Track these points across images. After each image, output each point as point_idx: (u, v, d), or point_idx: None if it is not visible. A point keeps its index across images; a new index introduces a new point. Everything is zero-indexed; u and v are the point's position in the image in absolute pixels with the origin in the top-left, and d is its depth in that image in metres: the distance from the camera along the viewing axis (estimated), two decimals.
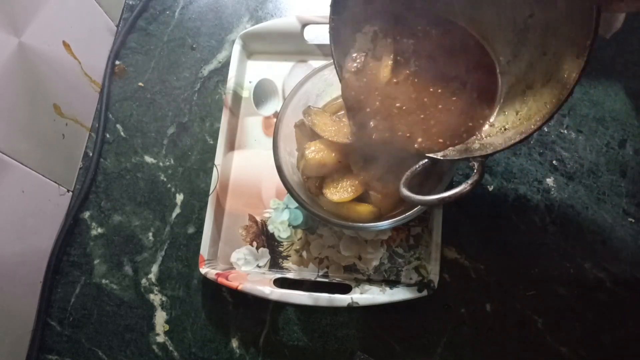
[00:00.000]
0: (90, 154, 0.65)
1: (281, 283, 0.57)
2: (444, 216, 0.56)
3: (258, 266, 0.59)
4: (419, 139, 0.44)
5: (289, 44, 0.64)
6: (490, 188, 0.59)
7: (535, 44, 0.40)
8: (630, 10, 0.38)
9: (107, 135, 0.67)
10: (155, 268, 0.61)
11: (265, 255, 0.59)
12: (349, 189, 0.51)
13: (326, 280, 0.57)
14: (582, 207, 0.58)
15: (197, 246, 0.60)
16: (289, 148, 0.53)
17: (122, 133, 0.66)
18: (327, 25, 0.59)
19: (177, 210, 0.63)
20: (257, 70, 0.65)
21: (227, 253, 0.60)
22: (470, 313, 0.56)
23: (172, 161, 0.65)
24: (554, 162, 0.59)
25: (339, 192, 0.51)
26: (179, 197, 0.63)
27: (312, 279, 0.57)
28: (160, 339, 0.59)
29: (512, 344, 0.55)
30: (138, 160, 0.65)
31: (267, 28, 0.64)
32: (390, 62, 0.44)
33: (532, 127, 0.38)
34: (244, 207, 0.61)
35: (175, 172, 0.64)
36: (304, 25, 0.63)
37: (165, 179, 0.64)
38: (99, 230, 0.63)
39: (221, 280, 0.56)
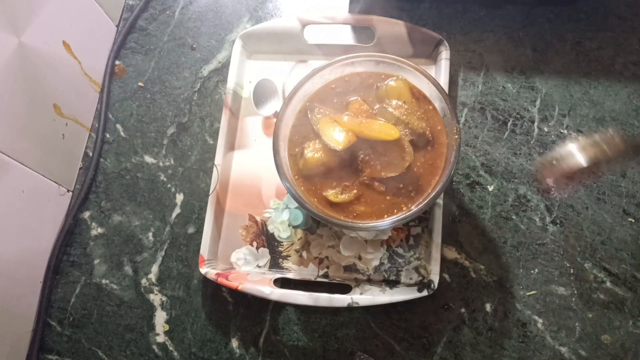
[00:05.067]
0: (90, 154, 0.65)
1: (281, 283, 0.57)
2: (444, 216, 0.56)
3: (258, 266, 0.59)
4: None
5: (289, 44, 0.64)
6: (490, 188, 0.59)
7: None
8: None
9: (107, 135, 0.67)
10: (155, 268, 0.61)
11: (265, 255, 0.59)
12: (350, 190, 0.51)
13: (326, 280, 0.57)
14: (582, 207, 0.58)
15: (197, 246, 0.60)
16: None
17: (122, 133, 0.66)
18: (328, 26, 0.60)
19: (177, 210, 0.63)
20: (257, 70, 0.65)
21: (227, 253, 0.60)
22: (470, 313, 0.56)
23: (172, 161, 0.65)
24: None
25: (339, 192, 0.51)
26: (179, 197, 0.63)
27: (312, 279, 0.57)
28: (160, 339, 0.59)
29: (512, 344, 0.55)
30: (138, 160, 0.65)
31: (267, 28, 0.64)
32: None
33: None
34: (244, 207, 0.61)
35: (175, 172, 0.64)
36: (304, 25, 0.63)
37: (165, 179, 0.64)
38: (99, 230, 0.63)
39: (221, 280, 0.56)
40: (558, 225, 0.57)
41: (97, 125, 0.66)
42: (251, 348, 0.57)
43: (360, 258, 0.58)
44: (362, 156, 0.51)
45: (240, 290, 0.55)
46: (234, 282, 0.55)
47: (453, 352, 0.55)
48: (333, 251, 0.58)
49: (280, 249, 0.59)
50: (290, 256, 0.59)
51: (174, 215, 0.62)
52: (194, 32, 0.69)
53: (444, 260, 0.57)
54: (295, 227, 0.60)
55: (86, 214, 0.64)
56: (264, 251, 0.59)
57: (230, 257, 0.59)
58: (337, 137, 0.50)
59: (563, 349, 0.54)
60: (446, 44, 0.60)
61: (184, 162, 0.64)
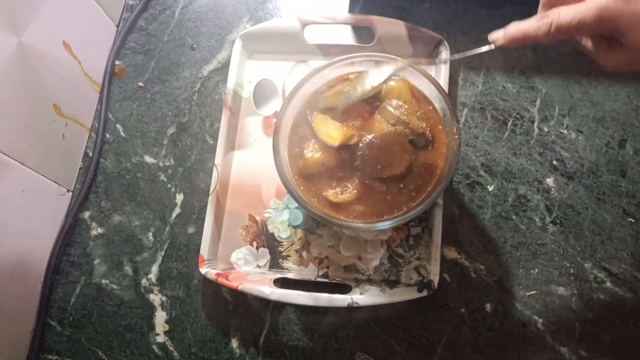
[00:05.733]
0: (90, 154, 0.65)
1: (281, 283, 0.57)
2: (444, 216, 0.56)
3: (258, 266, 0.59)
4: None
5: (289, 44, 0.64)
6: (490, 188, 0.59)
7: None
8: None
9: (107, 135, 0.67)
10: (155, 268, 0.61)
11: (265, 255, 0.59)
12: (350, 190, 0.51)
13: (326, 280, 0.57)
14: (582, 207, 0.58)
15: (197, 246, 0.60)
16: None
17: (122, 133, 0.66)
18: (328, 26, 0.60)
19: (177, 210, 0.63)
20: (257, 70, 0.65)
21: (227, 253, 0.60)
22: (470, 313, 0.56)
23: (172, 161, 0.65)
24: (554, 162, 0.59)
25: (340, 192, 0.51)
26: (179, 197, 0.63)
27: (312, 279, 0.57)
28: (160, 339, 0.59)
29: (512, 344, 0.55)
30: (138, 160, 0.65)
31: (267, 28, 0.64)
32: None
33: None
34: (244, 207, 0.61)
35: (175, 172, 0.64)
36: (304, 25, 0.63)
37: (165, 179, 0.64)
38: (99, 230, 0.63)
39: (221, 280, 0.56)
40: (558, 225, 0.57)
41: (97, 125, 0.66)
42: (251, 348, 0.57)
43: (360, 258, 0.58)
44: (362, 156, 0.51)
45: (240, 290, 0.55)
46: (234, 282, 0.55)
47: (453, 352, 0.55)
48: (333, 251, 0.58)
49: (280, 249, 0.59)
50: (290, 256, 0.59)
51: (174, 215, 0.62)
52: (194, 32, 0.69)
53: (444, 260, 0.57)
54: (295, 227, 0.60)
55: (86, 214, 0.64)
56: (264, 251, 0.59)
57: (230, 257, 0.60)
58: (332, 133, 0.50)
59: (563, 349, 0.54)
60: (446, 44, 0.60)
61: (184, 162, 0.64)
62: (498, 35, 0.41)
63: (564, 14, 0.37)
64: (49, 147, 0.60)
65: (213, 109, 0.66)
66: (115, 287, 0.61)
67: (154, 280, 0.61)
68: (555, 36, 0.38)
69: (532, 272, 0.56)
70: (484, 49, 0.43)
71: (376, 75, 0.48)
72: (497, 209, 0.58)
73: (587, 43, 0.40)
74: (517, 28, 0.40)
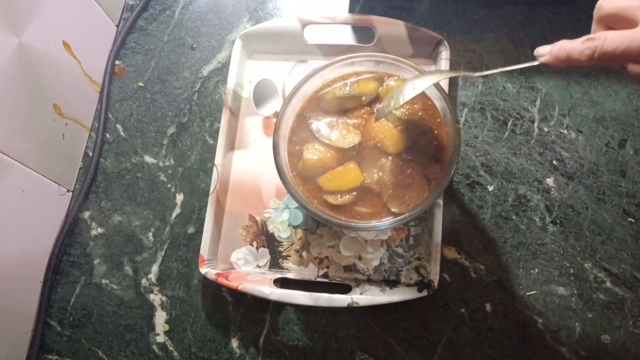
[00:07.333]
0: (90, 154, 0.65)
1: (281, 283, 0.58)
2: (444, 216, 0.56)
3: (258, 266, 0.59)
4: None
5: (289, 44, 0.64)
6: (490, 188, 0.59)
7: None
8: None
9: (107, 135, 0.67)
10: (155, 268, 0.61)
11: (265, 255, 0.59)
12: (350, 191, 0.51)
13: (326, 280, 0.57)
14: (582, 207, 0.58)
15: (197, 246, 0.60)
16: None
17: (122, 133, 0.66)
18: (328, 26, 0.59)
19: (177, 210, 0.63)
20: (257, 70, 0.65)
21: (227, 253, 0.60)
22: (470, 313, 0.56)
23: (172, 161, 0.65)
24: (554, 162, 0.59)
25: (340, 196, 0.51)
26: (179, 197, 0.63)
27: (312, 279, 0.57)
28: (160, 339, 0.59)
29: (512, 344, 0.55)
30: (138, 160, 0.65)
31: (267, 28, 0.64)
32: None
33: None
34: (244, 207, 0.61)
35: (175, 172, 0.64)
36: (304, 25, 0.63)
37: (165, 179, 0.64)
38: (99, 230, 0.63)
39: (221, 280, 0.56)
40: (558, 225, 0.57)
41: (97, 125, 0.66)
42: (251, 348, 0.57)
43: (360, 258, 0.58)
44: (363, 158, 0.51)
45: (240, 290, 0.55)
46: (234, 282, 0.55)
47: (453, 352, 0.55)
48: (333, 251, 0.58)
49: (280, 249, 0.59)
50: (290, 256, 0.59)
51: (174, 215, 0.62)
52: (194, 32, 0.69)
53: (444, 260, 0.57)
54: (295, 227, 0.60)
55: (86, 214, 0.64)
56: (264, 251, 0.59)
57: (230, 257, 0.60)
58: (342, 135, 0.50)
59: (563, 349, 0.54)
60: (446, 44, 0.60)
61: (184, 162, 0.64)
62: (544, 51, 0.38)
63: (609, 40, 0.34)
64: (49, 147, 0.60)
65: (213, 109, 0.66)
66: (115, 287, 0.61)
67: (154, 280, 0.61)
68: (599, 62, 0.36)
69: (532, 272, 0.56)
70: (526, 64, 0.40)
71: (409, 89, 0.45)
72: (497, 209, 0.58)
73: (636, 69, 0.37)
74: (562, 48, 0.37)
